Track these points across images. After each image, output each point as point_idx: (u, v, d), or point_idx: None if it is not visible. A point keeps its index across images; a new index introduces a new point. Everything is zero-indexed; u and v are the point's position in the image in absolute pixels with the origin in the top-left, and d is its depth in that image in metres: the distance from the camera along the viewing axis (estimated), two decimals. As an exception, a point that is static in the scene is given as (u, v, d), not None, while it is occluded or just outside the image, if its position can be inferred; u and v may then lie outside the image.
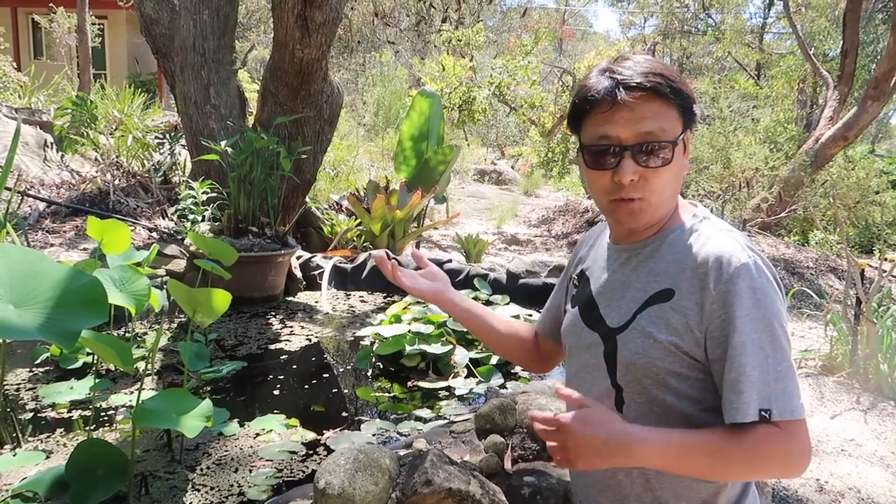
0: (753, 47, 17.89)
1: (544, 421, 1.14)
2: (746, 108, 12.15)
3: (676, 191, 1.23)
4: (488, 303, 4.36)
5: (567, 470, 1.48)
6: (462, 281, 5.03)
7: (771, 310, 1.09)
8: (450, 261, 5.45)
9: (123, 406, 2.80)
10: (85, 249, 5.22)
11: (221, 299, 2.26)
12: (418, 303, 4.12)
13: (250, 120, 5.62)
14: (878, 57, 10.39)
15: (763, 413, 1.06)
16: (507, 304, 4.28)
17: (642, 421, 1.16)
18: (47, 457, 2.34)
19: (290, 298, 4.95)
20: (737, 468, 1.10)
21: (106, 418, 2.71)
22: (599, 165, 1.17)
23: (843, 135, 8.66)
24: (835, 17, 12.75)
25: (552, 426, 1.14)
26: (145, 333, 3.76)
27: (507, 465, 1.70)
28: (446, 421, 2.22)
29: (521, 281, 4.96)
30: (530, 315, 3.92)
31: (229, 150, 4.75)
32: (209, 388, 3.06)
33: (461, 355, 3.40)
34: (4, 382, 2.95)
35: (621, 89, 1.12)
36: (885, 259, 7.45)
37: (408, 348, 3.33)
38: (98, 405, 2.80)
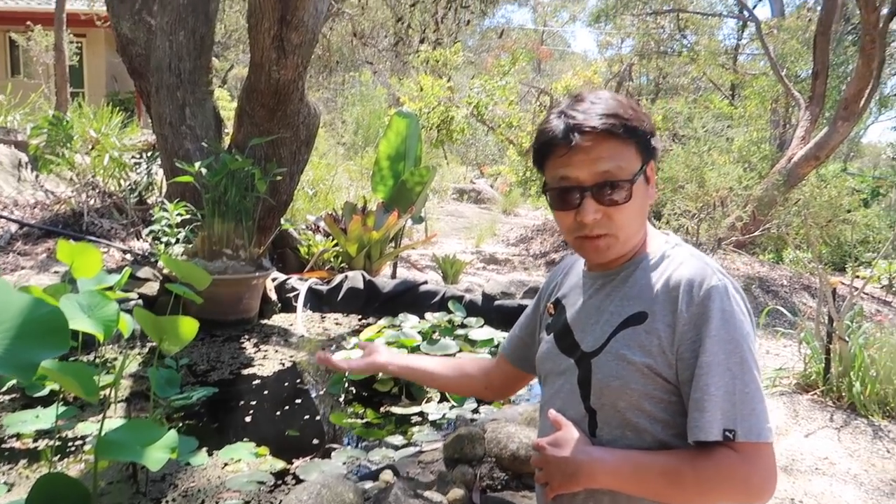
0: (728, 68, 18.19)
1: (533, 446, 1.22)
2: (721, 127, 12.30)
3: (643, 222, 1.26)
4: (463, 325, 4.34)
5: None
6: (437, 303, 5.02)
7: (740, 332, 1.11)
8: (426, 282, 5.44)
9: (90, 435, 2.74)
10: (56, 273, 5.13)
11: (188, 327, 2.23)
12: (392, 326, 4.09)
13: (227, 141, 5.59)
14: (848, 78, 10.61)
15: (727, 433, 1.06)
16: (482, 326, 4.27)
17: (615, 445, 1.16)
18: (9, 490, 2.28)
19: (265, 321, 4.89)
20: (690, 490, 1.10)
21: (72, 448, 2.65)
22: (562, 205, 1.21)
23: (815, 154, 8.81)
24: (806, 40, 12.98)
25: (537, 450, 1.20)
26: (115, 359, 3.70)
27: (475, 497, 1.68)
28: (416, 449, 2.20)
29: (497, 303, 4.96)
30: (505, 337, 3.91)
31: (204, 171, 4.72)
32: (180, 415, 3.01)
33: (435, 379, 3.37)
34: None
35: (576, 134, 1.15)
36: (857, 276, 7.55)
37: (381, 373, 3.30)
38: (64, 434, 2.74)
